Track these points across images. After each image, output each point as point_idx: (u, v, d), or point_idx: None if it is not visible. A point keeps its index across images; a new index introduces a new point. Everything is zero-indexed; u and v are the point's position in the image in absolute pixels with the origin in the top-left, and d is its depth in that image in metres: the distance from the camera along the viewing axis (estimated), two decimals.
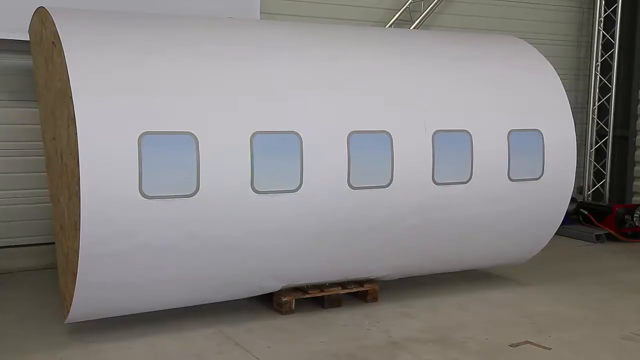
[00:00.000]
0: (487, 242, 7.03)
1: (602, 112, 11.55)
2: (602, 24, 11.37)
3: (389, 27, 9.78)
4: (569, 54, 11.84)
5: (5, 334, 5.75)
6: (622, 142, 11.69)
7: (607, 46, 11.38)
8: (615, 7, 11.23)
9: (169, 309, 6.00)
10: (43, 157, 6.65)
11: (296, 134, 5.75)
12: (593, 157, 11.59)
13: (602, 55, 11.46)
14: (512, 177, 6.79)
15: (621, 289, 7.51)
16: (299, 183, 5.75)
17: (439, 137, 6.39)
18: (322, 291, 6.45)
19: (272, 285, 6.18)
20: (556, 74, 7.39)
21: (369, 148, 6.07)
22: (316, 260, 6.19)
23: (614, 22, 11.22)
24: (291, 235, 5.89)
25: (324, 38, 6.73)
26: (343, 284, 6.58)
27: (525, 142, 6.86)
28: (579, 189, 11.41)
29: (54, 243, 6.29)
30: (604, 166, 11.47)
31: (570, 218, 10.34)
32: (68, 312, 5.45)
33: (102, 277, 5.26)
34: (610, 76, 11.36)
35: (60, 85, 5.36)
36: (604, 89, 11.52)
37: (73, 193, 5.17)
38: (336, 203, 5.98)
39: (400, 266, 6.76)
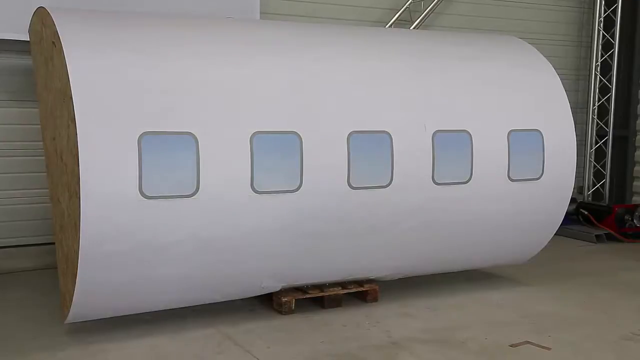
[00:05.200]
0: (487, 242, 7.03)
1: (602, 112, 11.56)
2: (602, 24, 11.38)
3: (389, 27, 9.78)
4: (569, 54, 11.85)
5: (6, 334, 5.75)
6: (622, 142, 11.70)
7: (607, 46, 11.39)
8: (615, 7, 11.23)
9: (169, 309, 6.00)
10: (43, 157, 6.65)
11: (296, 134, 5.75)
12: (593, 157, 11.60)
13: (602, 55, 11.46)
14: (512, 177, 6.79)
15: (621, 289, 7.51)
16: (299, 183, 5.75)
17: (439, 137, 6.39)
18: (322, 291, 6.45)
19: (272, 285, 6.18)
20: (556, 74, 7.39)
21: (369, 148, 6.07)
22: (316, 260, 6.19)
23: (614, 22, 11.22)
24: (291, 235, 5.89)
25: (324, 38, 6.73)
26: (343, 284, 6.58)
27: (525, 142, 6.86)
28: (579, 189, 11.41)
29: (54, 243, 6.29)
30: (603, 166, 11.47)
31: (570, 218, 10.35)
32: (68, 312, 5.46)
33: (102, 277, 5.26)
34: (610, 76, 11.37)
35: (60, 85, 5.36)
36: (604, 89, 11.53)
37: (73, 193, 5.17)
38: (336, 203, 5.98)
39: (400, 266, 6.75)
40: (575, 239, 10.22)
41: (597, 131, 11.60)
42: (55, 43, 5.40)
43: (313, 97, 6.00)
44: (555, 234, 7.47)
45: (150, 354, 5.36)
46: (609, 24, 11.33)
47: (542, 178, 6.96)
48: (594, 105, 11.54)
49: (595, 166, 11.62)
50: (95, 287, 5.29)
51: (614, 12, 11.25)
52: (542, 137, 6.95)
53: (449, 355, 5.43)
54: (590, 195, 11.63)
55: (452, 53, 7.12)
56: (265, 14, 8.79)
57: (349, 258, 6.35)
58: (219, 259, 5.68)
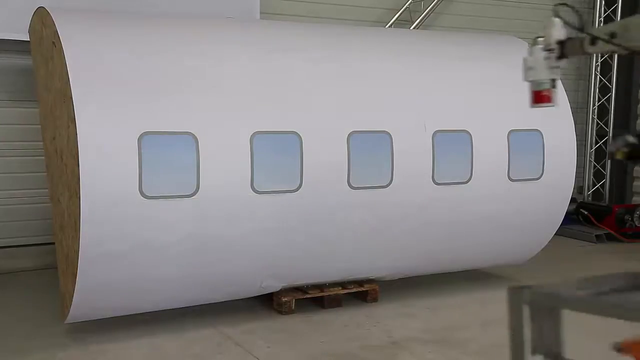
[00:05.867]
0: (487, 242, 7.03)
1: (602, 112, 11.56)
2: (602, 24, 11.37)
3: (389, 27, 9.78)
4: None
5: (5, 334, 5.75)
6: None
7: None
8: (615, 7, 11.23)
9: (169, 309, 6.00)
10: (43, 157, 6.66)
11: (296, 134, 5.75)
12: (593, 157, 11.59)
13: (602, 56, 11.45)
14: (512, 177, 6.79)
15: None
16: (299, 183, 5.75)
17: (439, 137, 6.39)
18: (322, 291, 6.45)
19: (272, 285, 6.17)
20: None
21: (369, 148, 6.07)
22: (316, 260, 6.19)
23: None
24: (291, 235, 5.89)
25: (324, 38, 6.73)
26: (343, 284, 6.57)
27: (525, 142, 6.86)
28: (579, 189, 11.41)
29: (54, 243, 6.30)
30: (603, 166, 11.47)
31: (570, 218, 10.34)
32: (68, 312, 5.45)
33: (102, 277, 5.26)
34: (610, 76, 11.37)
35: (60, 85, 5.36)
36: (604, 89, 11.52)
37: (73, 193, 5.17)
38: (336, 203, 5.98)
39: (400, 266, 6.75)
40: (575, 239, 10.22)
41: (597, 131, 11.60)
42: (55, 43, 5.40)
43: (313, 97, 6.00)
44: (555, 234, 7.47)
45: (150, 354, 5.36)
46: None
47: (542, 178, 6.96)
48: (594, 105, 11.54)
49: (595, 166, 11.61)
50: (95, 287, 5.29)
51: (614, 12, 11.24)
52: (542, 137, 6.95)
53: (449, 355, 5.43)
54: (590, 195, 11.62)
55: (452, 53, 7.12)
56: (265, 14, 8.79)
57: (349, 258, 6.35)
58: (219, 259, 5.68)
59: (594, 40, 3.16)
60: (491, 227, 6.91)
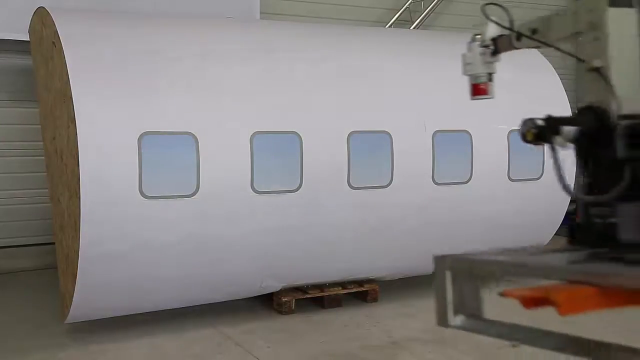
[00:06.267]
0: (487, 242, 7.01)
1: None
2: None
3: (389, 27, 9.78)
4: None
5: (5, 334, 5.75)
6: None
7: None
8: None
9: (169, 309, 6.00)
10: (43, 157, 6.66)
11: (296, 134, 5.75)
12: None
13: None
14: (512, 177, 6.78)
15: None
16: (298, 183, 5.75)
17: (439, 137, 6.38)
18: (322, 291, 6.45)
19: (272, 285, 6.17)
20: (556, 73, 7.39)
21: (369, 148, 6.07)
22: (316, 260, 6.19)
23: None
24: (291, 235, 5.88)
25: (324, 38, 6.73)
26: (343, 284, 6.57)
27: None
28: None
29: (54, 243, 6.30)
30: None
31: (570, 218, 10.32)
32: (68, 312, 5.45)
33: (102, 277, 5.26)
34: None
35: (60, 85, 5.36)
36: None
37: (73, 193, 5.17)
38: (336, 203, 5.97)
39: (400, 266, 6.75)
40: None
41: None
42: (55, 43, 5.40)
43: (313, 97, 6.00)
44: (555, 234, 7.46)
45: (150, 354, 5.36)
46: None
47: (542, 178, 6.96)
48: None
49: None
50: (95, 287, 5.29)
51: None
52: None
53: (449, 355, 5.43)
54: None
55: (452, 53, 7.09)
56: (265, 14, 8.80)
57: (349, 258, 6.35)
58: (219, 259, 5.68)
59: (519, 36, 3.43)
60: (491, 227, 6.90)
